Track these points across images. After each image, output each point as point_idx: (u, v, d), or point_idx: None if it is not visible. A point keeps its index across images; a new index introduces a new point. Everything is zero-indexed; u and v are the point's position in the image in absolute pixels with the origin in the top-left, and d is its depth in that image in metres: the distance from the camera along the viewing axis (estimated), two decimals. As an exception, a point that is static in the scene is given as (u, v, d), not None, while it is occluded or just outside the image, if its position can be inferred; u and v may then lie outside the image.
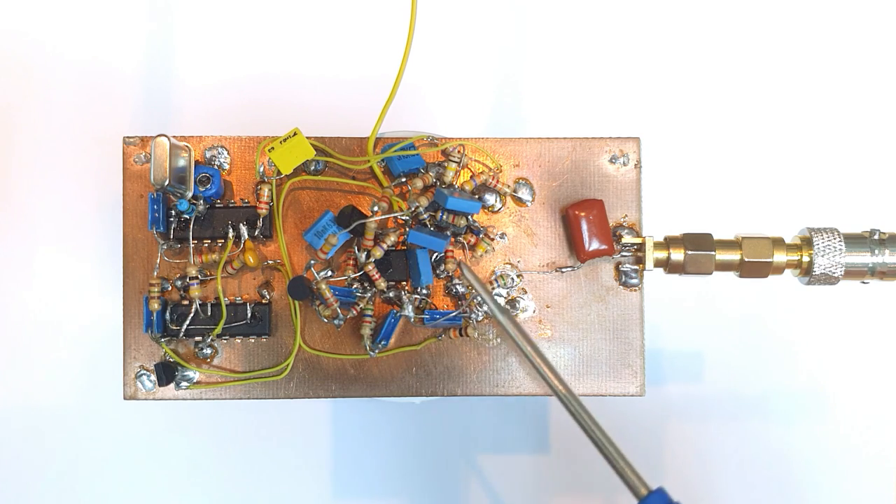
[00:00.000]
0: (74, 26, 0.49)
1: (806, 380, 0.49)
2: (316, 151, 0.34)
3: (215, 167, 0.35)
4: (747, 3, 0.51)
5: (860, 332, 0.49)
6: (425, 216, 0.35)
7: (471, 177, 0.36)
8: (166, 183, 0.32)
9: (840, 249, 0.34)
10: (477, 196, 0.36)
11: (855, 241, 0.35)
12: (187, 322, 0.35)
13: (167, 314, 0.35)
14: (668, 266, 0.35)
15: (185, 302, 0.35)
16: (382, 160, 0.36)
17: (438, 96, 0.50)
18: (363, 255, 0.35)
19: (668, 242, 0.35)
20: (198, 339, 0.35)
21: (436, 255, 0.35)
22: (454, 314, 0.35)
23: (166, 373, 0.35)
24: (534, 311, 0.36)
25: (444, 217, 0.35)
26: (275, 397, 0.36)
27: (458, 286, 0.35)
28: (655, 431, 0.48)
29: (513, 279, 0.36)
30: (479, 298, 0.34)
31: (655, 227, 0.37)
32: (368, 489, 0.48)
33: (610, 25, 0.50)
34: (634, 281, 0.36)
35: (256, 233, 0.35)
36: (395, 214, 0.35)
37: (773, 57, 0.50)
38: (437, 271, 0.36)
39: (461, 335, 0.36)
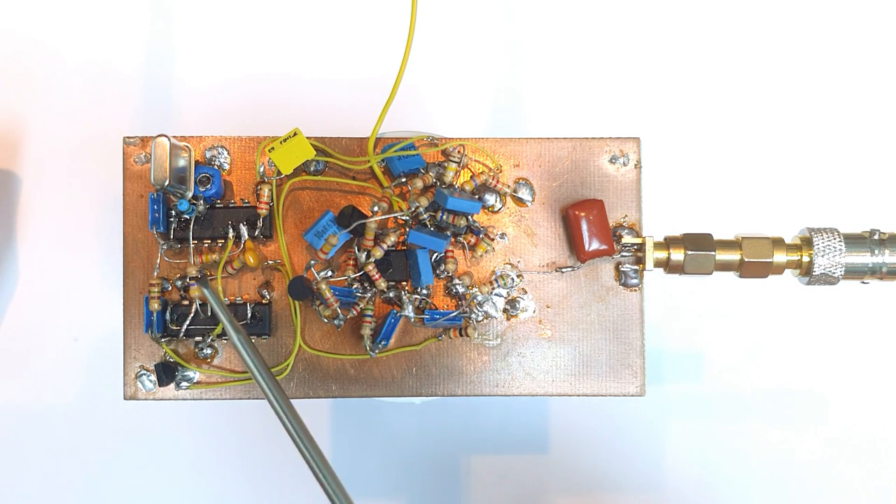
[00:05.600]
0: (75, 27, 0.49)
1: (806, 380, 0.49)
2: (316, 151, 0.34)
3: (215, 167, 0.35)
4: (747, 4, 0.51)
5: (860, 332, 0.49)
6: (425, 216, 0.35)
7: (471, 177, 0.36)
8: (166, 183, 0.32)
9: (840, 249, 0.34)
10: (477, 196, 0.36)
11: (855, 241, 0.35)
12: (187, 322, 0.35)
13: (167, 314, 0.35)
14: (668, 266, 0.35)
15: (186, 302, 0.35)
16: (382, 160, 0.36)
17: (438, 96, 0.50)
18: (363, 256, 0.35)
19: (668, 242, 0.35)
20: (198, 339, 0.35)
21: (436, 255, 0.35)
22: (454, 314, 0.35)
23: (166, 373, 0.35)
24: (534, 311, 0.36)
25: (444, 217, 0.35)
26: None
27: (458, 286, 0.35)
28: (655, 431, 0.48)
29: (513, 279, 0.36)
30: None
31: (655, 227, 0.37)
32: (368, 489, 0.48)
33: (610, 26, 0.50)
34: (634, 281, 0.36)
35: (256, 233, 0.35)
36: (395, 214, 0.35)
37: (773, 57, 0.50)
38: (438, 271, 0.36)
39: (461, 335, 0.36)
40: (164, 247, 0.35)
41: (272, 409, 0.28)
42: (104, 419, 0.48)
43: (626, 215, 0.36)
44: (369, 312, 0.35)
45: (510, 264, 0.36)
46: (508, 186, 0.36)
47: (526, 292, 0.36)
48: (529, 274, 0.36)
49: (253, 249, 0.35)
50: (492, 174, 0.36)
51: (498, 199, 0.36)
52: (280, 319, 0.36)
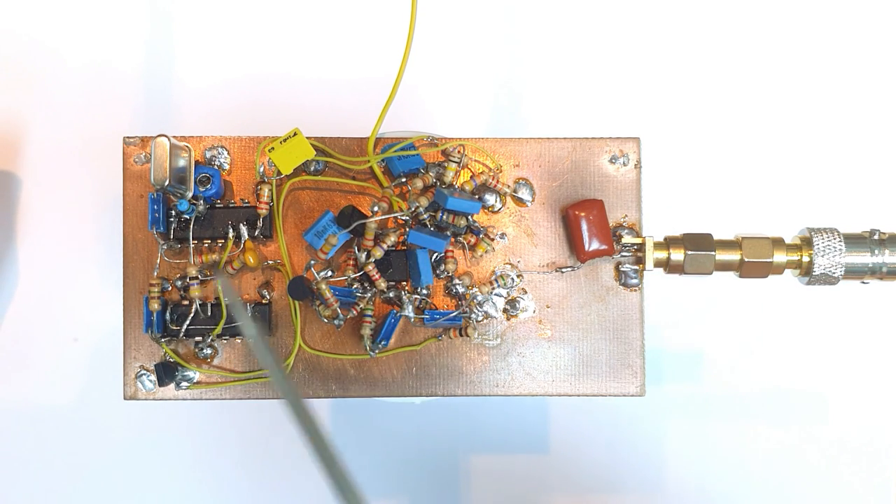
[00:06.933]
0: (75, 27, 0.49)
1: (806, 380, 0.49)
2: (316, 151, 0.34)
3: (215, 167, 0.35)
4: (747, 4, 0.51)
5: (860, 332, 0.49)
6: (425, 216, 0.35)
7: (471, 177, 0.36)
8: (166, 183, 0.32)
9: (840, 249, 0.34)
10: (477, 196, 0.36)
11: (855, 241, 0.35)
12: (187, 322, 0.35)
13: (167, 314, 0.35)
14: (668, 266, 0.35)
15: (185, 302, 0.35)
16: (382, 160, 0.36)
17: (438, 96, 0.50)
18: (363, 256, 0.35)
19: (668, 242, 0.35)
20: (198, 339, 0.35)
21: (436, 255, 0.35)
22: (454, 314, 0.35)
23: (166, 373, 0.35)
24: (534, 311, 0.36)
25: (444, 217, 0.35)
26: (275, 397, 0.36)
27: (458, 286, 0.35)
28: (655, 431, 0.48)
29: (513, 279, 0.36)
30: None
31: (655, 227, 0.37)
32: (368, 489, 0.48)
33: (609, 25, 0.50)
34: (634, 281, 0.36)
35: (256, 233, 0.35)
36: (395, 214, 0.35)
37: (773, 57, 0.50)
38: (437, 271, 0.36)
39: (461, 335, 0.36)
40: (164, 247, 0.35)
41: (288, 409, 0.27)
42: (104, 419, 0.48)
43: (626, 215, 0.36)
44: (369, 312, 0.35)
45: (510, 264, 0.36)
46: (508, 186, 0.36)
47: (526, 292, 0.36)
48: (529, 274, 0.36)
49: (253, 249, 0.35)
50: (492, 174, 0.36)
51: (498, 199, 0.36)
52: (280, 319, 0.36)
